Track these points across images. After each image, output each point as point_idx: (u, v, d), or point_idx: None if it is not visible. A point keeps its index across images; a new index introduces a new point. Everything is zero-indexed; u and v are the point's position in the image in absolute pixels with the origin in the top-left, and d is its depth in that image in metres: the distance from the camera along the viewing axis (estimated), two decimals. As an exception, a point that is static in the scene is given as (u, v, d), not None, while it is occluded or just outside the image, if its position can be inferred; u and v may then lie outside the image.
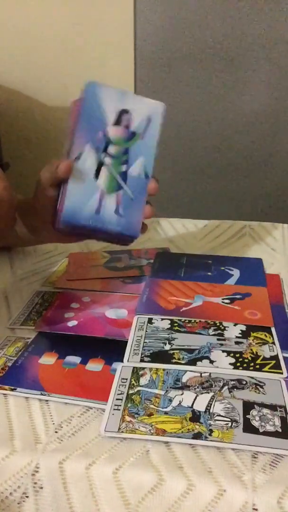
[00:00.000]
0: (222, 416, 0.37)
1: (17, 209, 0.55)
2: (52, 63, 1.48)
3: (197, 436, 0.35)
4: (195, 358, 0.44)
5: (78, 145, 0.48)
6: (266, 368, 0.43)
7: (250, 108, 1.49)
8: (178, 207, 1.61)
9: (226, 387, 0.40)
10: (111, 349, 0.46)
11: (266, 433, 0.35)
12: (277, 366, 0.43)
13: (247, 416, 0.37)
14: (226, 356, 0.44)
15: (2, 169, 0.55)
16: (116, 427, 0.36)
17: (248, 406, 0.38)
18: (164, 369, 0.43)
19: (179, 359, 0.44)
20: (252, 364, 0.43)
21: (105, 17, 1.41)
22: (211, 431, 0.36)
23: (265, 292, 0.56)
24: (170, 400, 0.39)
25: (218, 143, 1.54)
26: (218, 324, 0.50)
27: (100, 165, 0.49)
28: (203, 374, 0.42)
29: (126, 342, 0.47)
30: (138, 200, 0.50)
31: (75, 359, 0.44)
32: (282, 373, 0.42)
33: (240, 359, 0.44)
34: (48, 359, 0.44)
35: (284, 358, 0.44)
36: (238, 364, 0.43)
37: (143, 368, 0.43)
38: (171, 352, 0.45)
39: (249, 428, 0.36)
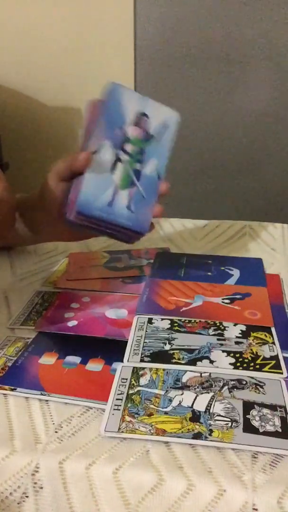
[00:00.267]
0: (222, 416, 0.37)
1: (17, 209, 0.55)
2: (52, 63, 1.48)
3: (197, 436, 0.35)
4: (195, 358, 0.44)
5: (98, 140, 0.50)
6: (266, 368, 0.43)
7: (250, 108, 1.49)
8: (178, 207, 1.61)
9: (226, 387, 0.40)
10: (111, 349, 0.46)
11: (266, 433, 0.35)
12: (277, 366, 0.43)
13: (247, 416, 0.37)
14: (226, 356, 0.44)
15: (2, 169, 0.56)
16: (116, 427, 0.36)
17: (248, 406, 0.38)
18: (164, 369, 0.43)
19: (179, 359, 0.44)
20: (252, 364, 0.43)
21: (105, 17, 1.41)
22: (211, 431, 0.36)
23: (265, 292, 0.56)
24: (170, 400, 0.39)
25: (218, 143, 1.54)
26: (218, 324, 0.50)
27: (116, 160, 0.51)
28: (203, 374, 0.42)
29: (126, 342, 0.47)
30: (149, 198, 0.52)
31: (75, 359, 0.44)
32: (282, 373, 0.42)
33: (240, 359, 0.44)
34: (48, 359, 0.44)
35: (284, 358, 0.44)
36: (238, 364, 0.43)
37: (143, 368, 0.43)
38: (171, 352, 0.45)
39: (249, 428, 0.36)
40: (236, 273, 0.62)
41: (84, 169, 0.49)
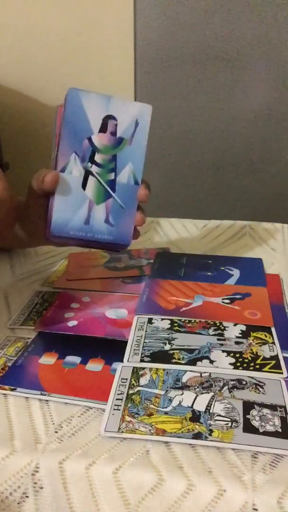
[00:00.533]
0: (222, 416, 0.37)
1: (17, 210, 0.55)
2: (52, 63, 1.48)
3: (197, 436, 0.35)
4: (195, 358, 0.44)
5: (63, 155, 0.47)
6: (266, 368, 0.43)
7: (250, 108, 1.49)
8: (178, 207, 1.61)
9: (226, 387, 0.40)
10: (111, 349, 0.46)
11: (266, 433, 0.35)
12: (277, 366, 0.43)
13: (247, 416, 0.37)
14: (226, 356, 0.44)
15: (2, 169, 0.56)
16: (116, 427, 0.36)
17: (248, 406, 0.38)
18: (164, 369, 0.43)
19: (179, 359, 0.44)
20: (252, 364, 0.43)
21: (105, 17, 1.41)
22: (211, 431, 0.36)
23: (265, 292, 0.56)
24: (170, 400, 0.39)
25: (218, 143, 1.54)
26: (218, 324, 0.50)
27: (87, 174, 0.48)
28: (203, 374, 0.42)
29: (126, 342, 0.47)
30: (128, 207, 0.49)
31: (75, 359, 0.44)
32: (282, 373, 0.42)
33: (240, 359, 0.44)
34: (48, 359, 0.44)
35: (284, 358, 0.44)
36: (238, 364, 0.43)
37: (143, 368, 0.43)
38: (171, 352, 0.45)
39: (249, 428, 0.36)
40: (236, 273, 0.62)
41: (53, 190, 0.47)
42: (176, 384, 0.41)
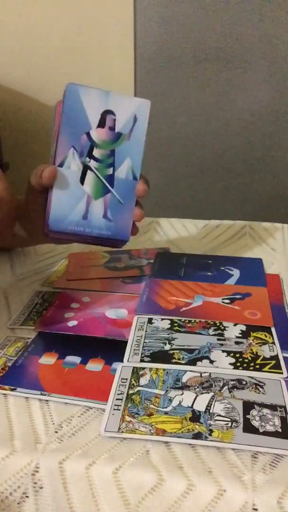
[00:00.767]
0: (222, 416, 0.37)
1: (17, 209, 0.55)
2: (52, 63, 1.48)
3: (197, 436, 0.35)
4: (195, 358, 0.44)
5: (62, 150, 0.47)
6: (266, 368, 0.43)
7: (250, 108, 1.49)
8: (178, 207, 1.61)
9: (226, 387, 0.40)
10: (111, 349, 0.46)
11: (266, 433, 0.35)
12: (277, 366, 0.43)
13: (247, 416, 0.37)
14: (226, 356, 0.44)
15: (2, 169, 0.56)
16: (116, 427, 0.36)
17: (248, 406, 0.38)
18: (164, 369, 0.43)
19: (179, 359, 0.44)
20: (252, 364, 0.43)
21: (105, 17, 1.41)
22: (211, 431, 0.36)
23: (265, 292, 0.56)
24: (170, 400, 0.39)
25: (218, 143, 1.54)
26: (218, 324, 0.50)
27: (85, 169, 0.48)
28: (203, 374, 0.42)
29: (126, 342, 0.47)
30: (127, 203, 0.49)
31: (75, 359, 0.44)
32: (282, 373, 0.42)
33: (240, 359, 0.44)
34: (48, 359, 0.44)
35: (284, 358, 0.44)
36: (238, 364, 0.43)
37: (143, 368, 0.43)
38: (171, 352, 0.45)
39: (249, 428, 0.36)
40: (236, 273, 0.62)
41: (51, 184, 0.47)
42: (176, 384, 0.41)
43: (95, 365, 0.43)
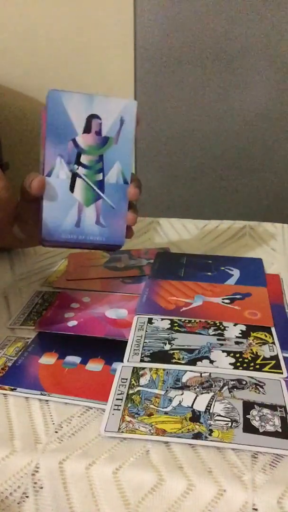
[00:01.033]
0: (222, 416, 0.37)
1: (16, 210, 0.55)
2: (52, 63, 1.48)
3: (197, 436, 0.35)
4: (195, 358, 0.44)
5: (49, 159, 0.47)
6: (266, 368, 0.43)
7: (250, 108, 1.49)
8: (178, 207, 1.61)
9: (226, 387, 0.40)
10: (111, 349, 0.46)
11: (266, 433, 0.35)
12: (277, 366, 0.43)
13: (247, 416, 0.37)
14: (226, 356, 0.44)
15: (2, 169, 0.55)
16: (116, 427, 0.36)
17: (248, 406, 0.38)
18: (164, 369, 0.43)
19: (179, 359, 0.44)
20: (252, 364, 0.43)
21: (105, 17, 1.41)
22: (211, 431, 0.36)
23: (265, 292, 0.56)
24: (170, 400, 0.39)
25: (218, 143, 1.54)
26: (218, 324, 0.50)
27: (74, 177, 0.47)
28: (203, 374, 0.42)
29: (126, 342, 0.47)
30: (119, 207, 0.49)
31: (75, 359, 0.44)
32: (282, 373, 0.42)
33: (240, 359, 0.44)
34: (48, 359, 0.44)
35: (284, 358, 0.44)
36: (238, 364, 0.43)
37: (143, 368, 0.43)
38: (171, 352, 0.45)
39: (249, 428, 0.36)
40: (236, 273, 0.62)
41: (40, 195, 0.46)
42: (176, 384, 0.41)
43: (95, 365, 0.43)
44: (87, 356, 0.45)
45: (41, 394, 0.40)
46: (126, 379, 0.41)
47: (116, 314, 0.52)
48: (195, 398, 0.39)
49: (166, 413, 0.37)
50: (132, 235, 0.51)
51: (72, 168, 0.47)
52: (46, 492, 0.34)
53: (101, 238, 0.49)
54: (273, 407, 0.38)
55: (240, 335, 0.48)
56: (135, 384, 0.41)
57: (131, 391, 0.40)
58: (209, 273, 0.62)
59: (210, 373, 0.42)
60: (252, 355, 0.44)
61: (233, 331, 0.48)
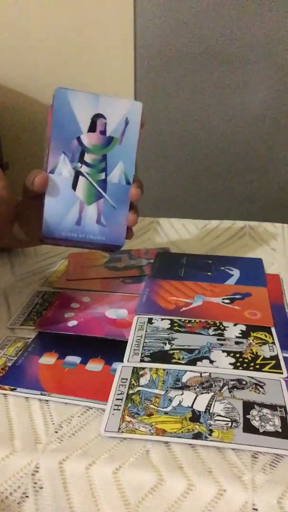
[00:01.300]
0: (222, 416, 0.37)
1: (16, 209, 0.55)
2: (52, 63, 1.48)
3: (197, 436, 0.35)
4: (195, 358, 0.44)
5: (53, 156, 0.47)
6: (266, 368, 0.43)
7: (250, 108, 1.49)
8: (178, 207, 1.61)
9: (226, 387, 0.40)
10: (111, 349, 0.46)
11: (266, 433, 0.35)
12: (277, 366, 0.43)
13: (247, 416, 0.37)
14: (226, 356, 0.44)
15: (2, 169, 0.55)
16: (116, 427, 0.36)
17: (248, 406, 0.38)
18: (164, 369, 0.43)
19: (179, 359, 0.44)
20: (252, 364, 0.43)
21: (105, 17, 1.41)
22: (211, 431, 0.36)
23: (265, 292, 0.56)
24: (170, 400, 0.39)
25: (218, 143, 1.54)
26: (218, 324, 0.50)
27: (77, 175, 0.47)
28: (203, 374, 0.42)
29: (126, 342, 0.47)
30: (120, 208, 0.49)
31: (75, 359, 0.44)
32: (282, 373, 0.42)
33: (240, 359, 0.44)
34: (48, 359, 0.44)
35: (284, 358, 0.44)
36: (238, 364, 0.43)
37: (143, 368, 0.43)
38: (171, 352, 0.45)
39: (249, 428, 0.36)
40: (236, 273, 0.62)
41: (42, 191, 0.47)
42: (176, 384, 0.41)
43: (95, 365, 0.43)
44: (87, 356, 0.45)
45: (41, 394, 0.40)
46: (126, 379, 0.41)
47: (116, 314, 0.52)
48: (195, 398, 0.39)
49: (166, 413, 0.37)
50: (132, 236, 0.51)
51: (75, 166, 0.47)
52: (46, 492, 0.34)
53: (101, 238, 0.49)
54: (273, 407, 0.38)
55: (240, 335, 0.48)
56: (135, 384, 0.41)
57: (131, 391, 0.40)
58: (209, 273, 0.62)
59: (210, 373, 0.42)
60: (252, 355, 0.44)
61: (233, 331, 0.48)
